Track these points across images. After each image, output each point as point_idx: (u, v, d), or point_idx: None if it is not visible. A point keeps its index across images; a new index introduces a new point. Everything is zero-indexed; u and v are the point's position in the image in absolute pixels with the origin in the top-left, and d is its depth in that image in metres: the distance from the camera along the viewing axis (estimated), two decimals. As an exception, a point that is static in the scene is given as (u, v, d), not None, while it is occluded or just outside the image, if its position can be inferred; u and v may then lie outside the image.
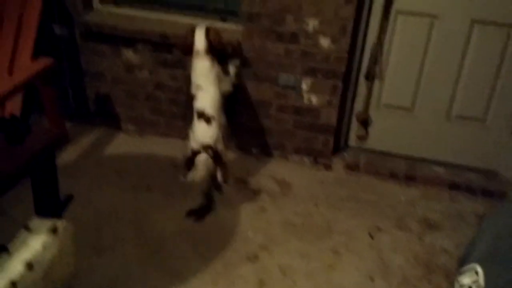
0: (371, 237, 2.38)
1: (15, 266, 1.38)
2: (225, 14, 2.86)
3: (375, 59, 2.71)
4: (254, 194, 2.62)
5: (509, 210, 0.91)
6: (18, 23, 2.63)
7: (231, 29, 2.83)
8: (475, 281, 0.78)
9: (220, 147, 2.37)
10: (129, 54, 2.94)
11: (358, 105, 2.86)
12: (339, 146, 2.94)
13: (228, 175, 2.45)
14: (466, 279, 0.81)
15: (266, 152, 2.96)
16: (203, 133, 2.36)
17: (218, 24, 2.86)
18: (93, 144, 2.97)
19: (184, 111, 2.97)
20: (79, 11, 2.91)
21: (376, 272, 2.17)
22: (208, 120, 2.37)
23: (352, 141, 2.96)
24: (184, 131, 3.02)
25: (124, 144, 3.00)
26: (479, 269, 0.80)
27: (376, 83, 2.78)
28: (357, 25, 2.64)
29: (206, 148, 2.32)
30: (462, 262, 0.86)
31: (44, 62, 2.46)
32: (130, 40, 2.89)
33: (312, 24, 2.60)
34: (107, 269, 2.07)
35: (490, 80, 2.64)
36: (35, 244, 1.44)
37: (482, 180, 2.77)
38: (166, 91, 2.98)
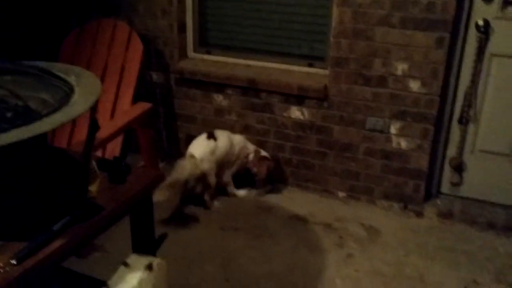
0: (468, 291, 2.22)
1: (115, 301, 1.45)
2: (313, 60, 2.92)
3: (469, 102, 2.60)
4: (341, 239, 2.56)
5: None
6: (120, 72, 2.87)
7: (317, 74, 2.87)
8: None
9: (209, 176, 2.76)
10: (219, 98, 3.07)
11: (451, 150, 2.74)
12: (431, 192, 2.81)
13: (213, 197, 2.83)
14: None
15: (353, 196, 2.91)
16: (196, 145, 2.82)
17: (305, 69, 2.92)
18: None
19: (270, 153, 3.02)
20: (175, 59, 3.11)
21: (475, 331, 2.01)
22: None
23: (445, 187, 2.82)
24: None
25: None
26: None
27: (471, 127, 2.66)
28: (449, 68, 2.57)
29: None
30: None
31: (142, 106, 2.65)
32: (220, 85, 3.02)
33: (401, 67, 2.57)
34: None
35: None
36: (132, 280, 1.51)
37: None
38: (253, 134, 3.05)
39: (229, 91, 3.02)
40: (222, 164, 2.84)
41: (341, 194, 2.93)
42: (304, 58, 2.94)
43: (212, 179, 2.79)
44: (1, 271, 1.29)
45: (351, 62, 2.68)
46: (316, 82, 2.80)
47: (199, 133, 3.18)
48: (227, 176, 2.91)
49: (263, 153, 2.93)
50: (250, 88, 2.95)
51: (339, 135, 2.83)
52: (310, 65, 2.92)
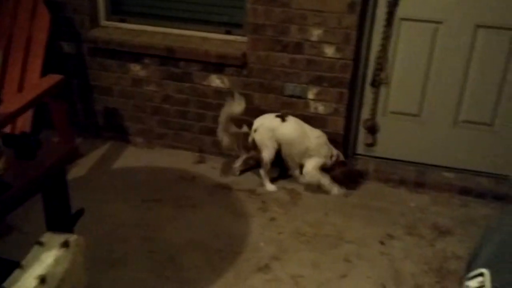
0: (383, 244, 2.37)
1: (29, 280, 1.39)
2: (230, 27, 2.89)
3: (380, 66, 2.72)
4: (264, 204, 2.62)
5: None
6: (27, 42, 2.68)
7: (236, 41, 2.86)
8: (482, 285, 0.78)
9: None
10: (136, 69, 2.97)
11: (365, 113, 2.86)
12: (347, 154, 2.94)
13: (267, 175, 2.78)
14: (473, 283, 0.81)
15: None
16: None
17: (223, 37, 2.90)
18: (102, 158, 2.99)
19: (191, 123, 3.00)
20: (86, 28, 2.96)
21: (388, 280, 2.16)
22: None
23: (361, 149, 2.96)
24: (192, 143, 3.05)
25: (133, 157, 3.02)
26: (486, 273, 0.80)
27: (382, 90, 2.79)
28: (361, 33, 2.66)
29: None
30: (469, 267, 0.86)
31: (53, 78, 2.50)
32: (137, 54, 2.92)
33: (316, 33, 2.62)
34: (120, 283, 2.08)
35: (496, 84, 2.64)
36: (47, 259, 1.45)
37: (493, 184, 2.76)
38: (174, 104, 3.00)
39: (147, 61, 2.94)
40: (287, 150, 2.71)
41: (264, 160, 2.98)
42: (222, 25, 2.91)
43: (266, 155, 2.69)
44: None
45: (268, 29, 2.69)
46: (234, 50, 2.79)
47: (117, 106, 3.09)
48: (312, 167, 2.69)
49: (341, 157, 2.76)
50: (168, 57, 2.88)
51: (259, 102, 2.86)
52: (228, 33, 2.90)
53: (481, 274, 0.83)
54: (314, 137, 2.70)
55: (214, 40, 2.90)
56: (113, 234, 2.36)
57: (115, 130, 3.16)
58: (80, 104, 3.16)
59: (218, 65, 2.83)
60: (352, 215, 2.56)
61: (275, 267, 2.20)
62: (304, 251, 2.32)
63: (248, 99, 2.85)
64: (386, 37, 2.66)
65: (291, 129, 2.69)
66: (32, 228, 2.23)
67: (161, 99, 3.01)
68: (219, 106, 2.92)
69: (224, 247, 2.31)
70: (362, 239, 2.39)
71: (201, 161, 2.99)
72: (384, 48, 2.68)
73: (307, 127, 2.73)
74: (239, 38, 2.87)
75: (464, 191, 2.74)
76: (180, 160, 2.99)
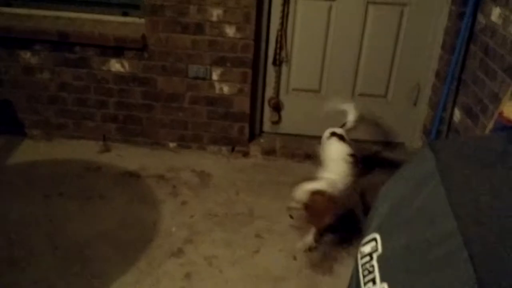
0: (291, 217, 2.45)
1: None
2: (127, 8, 2.78)
3: (280, 44, 2.77)
4: (174, 188, 2.60)
5: (402, 177, 0.98)
6: None
7: (134, 23, 2.76)
8: (374, 249, 0.84)
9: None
10: (26, 56, 2.77)
11: (269, 91, 2.92)
12: (254, 133, 2.99)
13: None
14: (366, 248, 0.86)
15: (183, 145, 2.94)
16: None
17: (120, 19, 2.79)
18: (-3, 154, 2.79)
19: (92, 111, 2.87)
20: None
21: (299, 251, 2.25)
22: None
23: (267, 126, 3.02)
24: (95, 132, 2.93)
25: (31, 150, 2.84)
26: (377, 237, 0.86)
27: (284, 68, 2.85)
28: (261, 12, 2.68)
29: None
30: (364, 233, 0.92)
31: None
32: (26, 40, 2.72)
33: (216, 13, 2.61)
34: (25, 284, 1.97)
35: (388, 57, 2.80)
36: None
37: (389, 152, 2.95)
38: (72, 92, 2.85)
39: (38, 47, 2.75)
40: None
41: (172, 144, 2.94)
42: (118, 7, 2.79)
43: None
44: None
45: (167, 10, 2.62)
46: (133, 32, 2.70)
47: (8, 97, 2.87)
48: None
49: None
50: (61, 42, 2.71)
51: (163, 86, 2.80)
52: (125, 14, 2.79)
53: (374, 239, 0.88)
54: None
55: (111, 23, 2.78)
56: (11, 233, 2.21)
57: (8, 123, 2.94)
58: (-35, 97, 2.90)
59: (117, 49, 2.72)
60: (261, 192, 2.62)
61: (188, 251, 2.20)
62: (217, 231, 2.33)
63: (151, 83, 2.79)
64: (284, 16, 2.71)
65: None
66: None
67: (57, 87, 2.84)
68: (121, 92, 2.83)
69: (134, 236, 2.27)
70: (272, 215, 2.46)
71: (106, 149, 2.89)
72: (282, 26, 2.73)
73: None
74: (137, 20, 2.77)
75: (364, 161, 2.91)
76: (83, 150, 2.86)
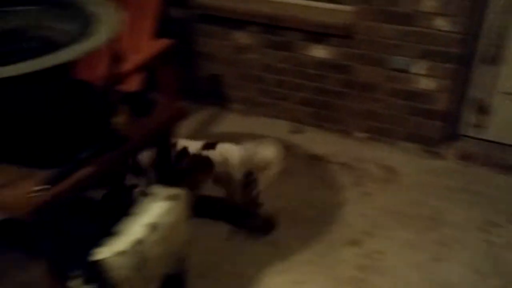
0: (484, 231, 2.24)
1: (139, 226, 1.51)
2: (336, -5, 2.83)
3: (497, 41, 2.51)
4: (358, 178, 2.58)
5: None
6: (140, 5, 2.82)
7: (340, 10, 2.79)
8: None
9: None
10: (239, 36, 3.02)
11: (476, 91, 2.68)
12: (452, 134, 2.79)
13: None
14: None
15: (373, 137, 2.90)
16: None
17: (327, 6, 2.84)
18: (203, 122, 3.11)
19: (289, 93, 3.01)
20: (195, -6, 3.05)
21: (487, 268, 2.05)
22: None
23: (467, 130, 2.79)
24: (290, 113, 3.06)
25: (232, 123, 3.11)
26: None
27: (498, 67, 2.58)
28: (477, 5, 2.47)
29: None
30: None
31: (164, 42, 2.61)
32: (241, 21, 2.96)
33: (429, 4, 2.47)
34: (213, 241, 2.18)
35: None
36: (157, 208, 1.56)
37: None
38: (274, 73, 3.02)
39: (250, 28, 2.97)
40: None
41: (361, 135, 2.92)
42: (328, -6, 2.85)
43: None
44: (33, 194, 1.34)
45: (377, -1, 2.59)
46: (339, 19, 2.73)
47: (219, 72, 3.17)
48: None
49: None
50: (270, 25, 2.88)
51: (361, 75, 2.78)
52: (333, 1, 2.83)
53: None
54: None
55: (318, 9, 2.85)
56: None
57: (216, 97, 3.26)
58: (184, 70, 3.29)
59: (320, 35, 2.78)
60: (451, 198, 2.44)
61: (366, 243, 2.18)
62: (398, 229, 2.26)
63: (350, 71, 2.79)
64: (507, 11, 2.45)
65: None
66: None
67: (262, 67, 3.04)
68: (319, 77, 2.90)
69: (314, 216, 2.33)
70: (461, 224, 2.28)
71: (297, 131, 3.00)
72: (503, 22, 2.47)
73: None
74: (344, 7, 2.79)
75: None
76: (277, 129, 3.02)
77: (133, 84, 2.63)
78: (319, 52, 2.83)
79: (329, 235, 2.22)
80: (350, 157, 2.75)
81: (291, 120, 3.08)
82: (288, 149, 2.84)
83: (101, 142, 1.53)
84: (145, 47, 2.68)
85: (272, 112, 3.13)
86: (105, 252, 1.41)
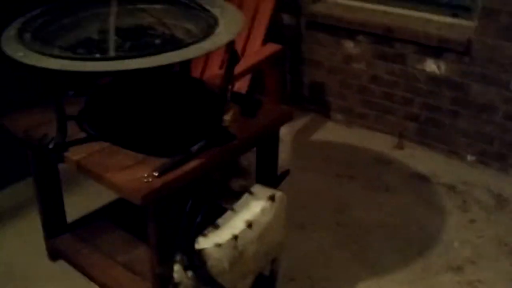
0: None
1: (238, 222, 1.54)
2: (457, 10, 2.69)
3: None
4: (464, 203, 2.43)
5: None
6: (254, 10, 2.89)
7: (460, 25, 2.66)
8: None
9: None
10: (349, 45, 2.98)
11: None
12: None
13: None
14: None
15: (483, 161, 2.71)
16: None
17: (447, 20, 2.72)
18: (303, 128, 3.12)
19: (396, 106, 2.92)
20: (308, 2, 3.06)
21: None
22: None
23: None
24: (393, 127, 2.97)
25: (331, 132, 3.08)
26: None
27: None
28: None
29: None
30: None
31: (273, 47, 2.66)
32: (352, 31, 2.93)
33: None
34: (306, 247, 2.17)
35: None
36: (255, 208, 1.59)
37: None
38: (381, 85, 2.95)
39: (361, 38, 2.92)
40: None
41: (470, 157, 2.75)
42: (448, 8, 2.72)
43: None
44: (145, 180, 1.43)
45: (503, 15, 2.42)
46: (458, 34, 2.59)
47: (324, 80, 3.15)
48: None
49: None
50: (384, 36, 2.81)
51: (477, 94, 2.62)
52: (454, 15, 2.70)
53: None
54: None
55: (435, 22, 2.73)
56: (304, 199, 2.45)
57: (318, 104, 3.25)
58: (289, 75, 3.32)
59: (436, 49, 2.66)
60: None
61: (468, 271, 2.04)
62: (503, 262, 2.09)
63: (464, 89, 2.64)
64: None
65: None
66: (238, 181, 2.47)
67: (369, 78, 2.98)
68: (429, 93, 2.78)
69: (414, 237, 2.23)
70: None
71: (400, 147, 2.90)
72: None
73: None
74: (465, 22, 2.65)
75: None
76: (378, 142, 2.94)
77: (242, 85, 2.71)
78: (433, 67, 2.71)
79: (429, 257, 2.11)
80: (457, 179, 2.60)
81: (394, 135, 2.98)
82: (389, 165, 2.75)
83: (211, 137, 1.59)
84: (256, 50, 2.75)
85: (375, 124, 3.05)
86: (205, 243, 1.46)
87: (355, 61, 3.00)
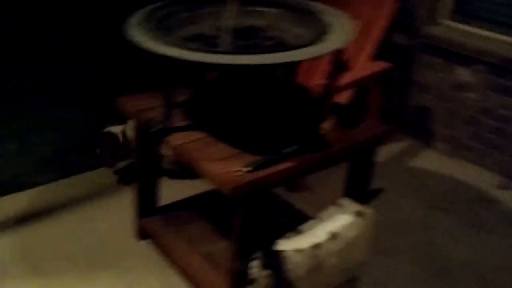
0: None
1: (321, 232, 1.52)
2: None
3: None
4: None
5: None
6: (367, 26, 2.85)
7: None
8: None
9: None
10: (461, 72, 2.83)
11: None
12: None
13: None
14: None
15: None
16: None
17: None
18: (400, 152, 3.00)
19: (507, 143, 2.71)
20: (422, 23, 2.96)
21: None
22: None
23: None
24: (500, 165, 2.76)
25: (430, 161, 2.93)
26: None
27: None
28: None
29: None
30: None
31: (382, 65, 2.61)
32: (467, 58, 2.78)
33: None
34: (389, 273, 2.07)
35: None
36: (341, 220, 1.55)
37: None
38: (493, 118, 2.75)
39: (475, 67, 2.76)
40: None
41: None
42: None
43: None
44: (237, 173, 1.46)
45: None
46: None
47: (430, 105, 3.01)
48: None
49: None
50: (502, 67, 2.64)
51: None
52: None
53: None
54: None
55: None
56: (392, 225, 2.35)
57: (420, 129, 3.11)
58: (394, 95, 3.22)
59: (561, 87, 2.45)
60: None
61: None
62: None
63: None
64: None
65: None
66: (324, 190, 2.43)
67: (480, 110, 2.80)
68: (548, 133, 2.55)
69: (506, 283, 2.04)
70: None
71: (505, 187, 2.68)
72: None
73: None
74: None
75: None
76: (481, 178, 2.75)
77: (343, 97, 2.68)
78: (555, 105, 2.49)
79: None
80: None
81: (501, 173, 2.76)
82: (490, 203, 2.56)
83: (306, 142, 1.59)
84: (363, 65, 2.71)
85: (480, 160, 2.85)
86: (286, 245, 1.46)
87: (467, 90, 2.84)
